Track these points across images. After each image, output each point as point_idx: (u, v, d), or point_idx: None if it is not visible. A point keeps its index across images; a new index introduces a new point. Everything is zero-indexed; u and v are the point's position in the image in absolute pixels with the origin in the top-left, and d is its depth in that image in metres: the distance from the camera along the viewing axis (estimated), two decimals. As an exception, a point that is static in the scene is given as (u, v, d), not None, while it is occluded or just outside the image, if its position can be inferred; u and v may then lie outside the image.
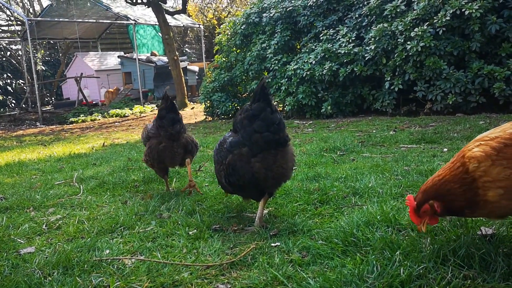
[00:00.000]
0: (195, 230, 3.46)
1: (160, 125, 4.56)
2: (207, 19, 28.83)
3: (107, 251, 3.17)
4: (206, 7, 29.00)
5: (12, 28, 25.32)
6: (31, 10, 26.06)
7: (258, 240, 3.17)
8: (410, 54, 8.86)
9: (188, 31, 28.83)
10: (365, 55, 9.81)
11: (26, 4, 26.41)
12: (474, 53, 8.61)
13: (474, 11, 8.20)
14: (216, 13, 29.05)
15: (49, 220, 4.04)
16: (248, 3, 19.28)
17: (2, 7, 23.73)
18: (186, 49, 28.82)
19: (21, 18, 21.76)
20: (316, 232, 3.14)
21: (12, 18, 24.91)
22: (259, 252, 2.94)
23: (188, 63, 22.23)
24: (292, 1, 12.13)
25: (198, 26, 24.46)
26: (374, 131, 7.75)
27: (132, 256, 3.07)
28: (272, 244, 3.04)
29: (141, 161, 6.88)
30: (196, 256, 2.98)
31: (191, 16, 27.50)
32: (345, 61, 10.09)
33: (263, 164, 3.31)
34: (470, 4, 8.35)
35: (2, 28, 25.29)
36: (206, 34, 26.72)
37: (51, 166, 7.10)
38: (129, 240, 3.40)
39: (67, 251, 3.13)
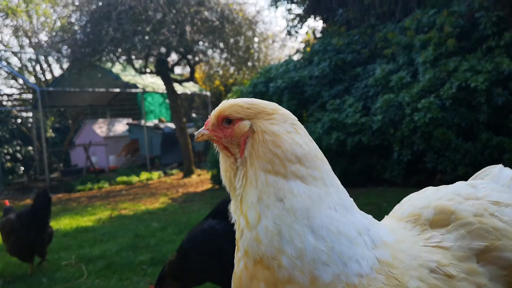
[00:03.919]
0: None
1: (38, 216, 5.40)
2: (214, 85, 29.39)
3: None
4: (213, 74, 29.61)
5: (24, 95, 25.87)
6: (42, 78, 26.70)
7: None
8: (418, 125, 8.86)
9: (195, 97, 29.34)
10: (373, 125, 9.82)
11: (38, 73, 27.10)
12: (482, 124, 8.64)
13: (479, 83, 8.29)
14: (223, 79, 29.66)
15: (55, 310, 3.91)
16: (254, 71, 19.71)
17: (16, 76, 24.39)
18: (193, 115, 29.20)
19: (33, 87, 22.29)
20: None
21: (25, 87, 25.53)
22: None
23: (194, 129, 22.48)
24: (298, 72, 12.38)
25: (205, 93, 24.95)
26: (384, 204, 7.66)
27: None
28: None
29: (148, 237, 6.78)
30: None
31: (198, 83, 28.08)
32: (352, 131, 10.12)
33: None
34: (475, 77, 8.44)
35: (14, 96, 25.86)
36: (213, 100, 27.14)
37: (58, 243, 6.98)
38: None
39: None
